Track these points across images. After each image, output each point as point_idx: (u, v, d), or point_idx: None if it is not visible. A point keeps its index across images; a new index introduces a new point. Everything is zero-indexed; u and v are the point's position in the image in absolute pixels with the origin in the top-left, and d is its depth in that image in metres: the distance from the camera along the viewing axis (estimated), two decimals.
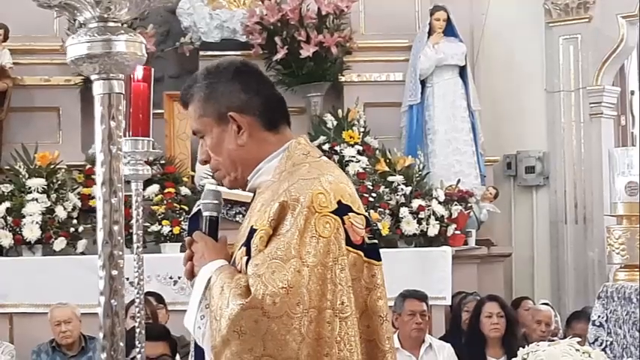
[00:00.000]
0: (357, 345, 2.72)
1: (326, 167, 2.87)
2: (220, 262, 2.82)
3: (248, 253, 2.74)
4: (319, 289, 2.65)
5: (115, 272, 1.66)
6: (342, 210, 2.74)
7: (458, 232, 9.62)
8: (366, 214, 2.86)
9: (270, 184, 2.85)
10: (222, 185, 3.07)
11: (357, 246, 2.75)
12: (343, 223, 2.73)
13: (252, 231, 2.75)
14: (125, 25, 1.72)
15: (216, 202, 3.00)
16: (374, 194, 9.38)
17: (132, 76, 4.03)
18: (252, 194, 3.06)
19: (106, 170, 1.68)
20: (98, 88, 1.72)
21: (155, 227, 9.09)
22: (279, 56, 10.06)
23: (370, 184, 9.50)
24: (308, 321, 2.62)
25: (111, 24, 1.70)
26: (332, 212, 2.71)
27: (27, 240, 8.92)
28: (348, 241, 2.73)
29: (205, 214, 3.00)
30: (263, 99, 2.94)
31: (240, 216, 3.43)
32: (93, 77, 1.72)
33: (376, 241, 2.84)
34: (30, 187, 9.07)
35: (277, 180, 2.84)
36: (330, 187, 2.75)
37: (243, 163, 2.92)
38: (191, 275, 2.91)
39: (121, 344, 1.70)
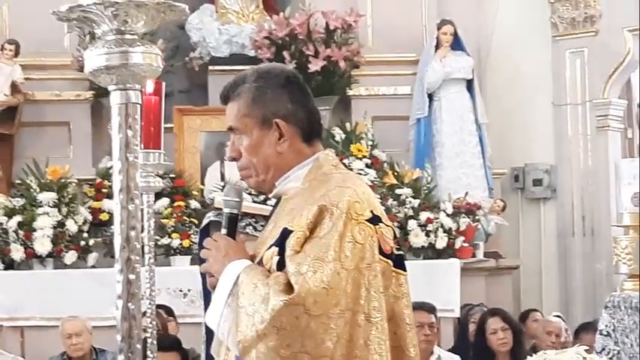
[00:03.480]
0: (387, 350, 2.79)
1: (356, 179, 3.00)
2: (246, 261, 2.87)
3: (280, 253, 2.79)
4: (354, 293, 2.72)
5: (132, 276, 1.71)
6: (375, 220, 2.82)
7: (466, 244, 9.66)
8: (393, 226, 2.95)
9: (299, 190, 2.92)
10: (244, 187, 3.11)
11: (387, 255, 2.83)
12: (375, 232, 2.81)
13: (286, 231, 2.79)
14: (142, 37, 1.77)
15: (237, 199, 3.02)
16: (382, 207, 9.40)
17: (143, 89, 4.08)
18: (266, 207, 3.11)
19: (124, 178, 1.73)
20: (115, 99, 1.77)
21: (165, 240, 9.14)
22: None
23: (378, 197, 9.53)
24: (343, 322, 2.69)
25: (128, 36, 1.75)
26: (367, 220, 2.79)
27: (38, 253, 8.98)
28: (379, 250, 2.81)
29: (226, 210, 3.02)
30: (307, 112, 3.01)
31: (250, 227, 3.46)
32: (110, 88, 1.77)
33: (402, 252, 2.93)
34: (41, 201, 9.13)
35: (307, 187, 2.91)
36: (364, 197, 2.83)
37: (277, 169, 2.97)
38: (210, 275, 2.95)
39: (138, 346, 1.75)
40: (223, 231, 3.00)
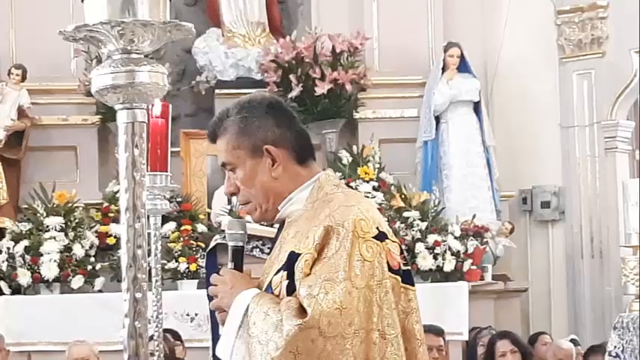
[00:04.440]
0: None
1: (359, 197, 3.03)
2: (254, 290, 2.87)
3: (289, 277, 2.80)
4: (367, 311, 2.73)
5: (138, 295, 1.70)
6: (381, 236, 2.83)
7: (474, 267, 9.63)
8: (399, 242, 2.95)
9: (302, 213, 2.93)
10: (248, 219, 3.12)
11: (395, 271, 2.84)
12: (383, 248, 2.82)
13: (294, 255, 2.81)
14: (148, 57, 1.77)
15: (242, 232, 3.03)
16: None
17: (150, 112, 4.07)
18: (272, 229, 3.10)
19: (130, 196, 1.73)
20: (122, 117, 1.76)
21: (172, 264, 9.13)
22: (294, 94, 10.12)
23: (386, 219, 9.50)
24: (359, 342, 2.70)
25: (134, 55, 1.75)
26: (373, 238, 2.80)
27: (45, 278, 8.97)
28: (387, 266, 2.82)
29: (231, 244, 3.03)
30: (295, 134, 3.02)
31: (257, 250, 3.45)
32: (117, 107, 1.77)
33: (409, 267, 2.95)
34: (48, 226, 9.13)
35: (310, 208, 2.92)
36: (369, 215, 2.84)
37: (276, 195, 2.98)
38: (220, 311, 2.94)
39: None
40: (230, 265, 3.01)
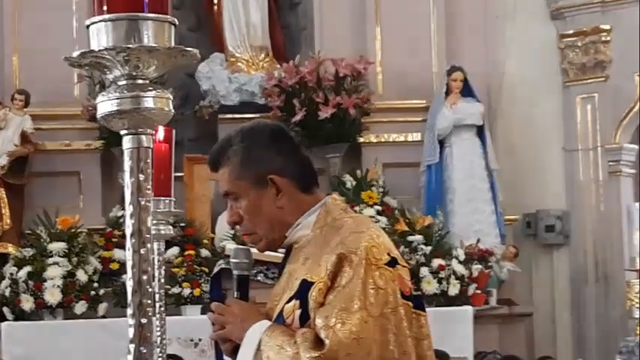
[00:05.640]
0: None
1: (368, 222, 2.99)
2: (265, 322, 2.83)
3: (301, 305, 2.77)
4: (383, 339, 2.70)
5: (144, 320, 1.69)
6: (393, 262, 2.80)
7: (479, 291, 9.61)
8: (409, 267, 2.94)
9: (310, 238, 2.90)
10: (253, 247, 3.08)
11: (407, 297, 2.80)
12: (395, 275, 2.79)
13: (306, 283, 2.78)
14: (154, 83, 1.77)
15: (247, 261, 2.99)
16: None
17: (153, 137, 4.06)
18: (277, 254, 3.08)
19: (135, 222, 1.72)
20: (127, 143, 1.76)
21: (176, 289, 9.11)
22: (297, 118, 10.14)
23: None
24: None
25: (139, 81, 1.75)
26: (385, 264, 2.77)
27: (48, 304, 8.96)
28: (400, 292, 2.79)
29: (236, 272, 2.99)
30: (298, 161, 2.99)
31: (262, 275, 3.44)
32: (122, 132, 1.77)
33: (420, 292, 2.93)
34: (51, 251, 9.12)
35: (319, 234, 2.89)
36: (380, 241, 2.81)
37: (281, 224, 2.94)
38: (224, 342, 2.91)
39: None
40: (236, 294, 2.97)
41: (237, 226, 3.03)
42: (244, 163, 2.94)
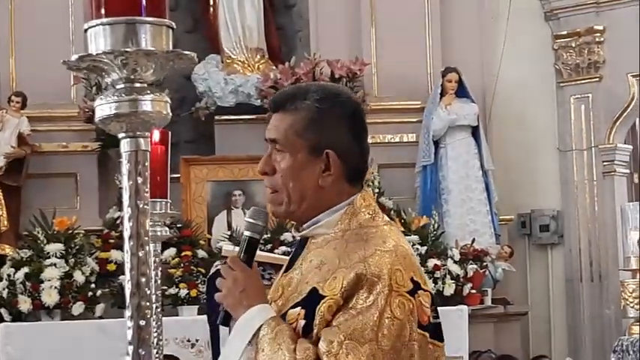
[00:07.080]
0: None
1: (396, 234, 2.72)
2: (269, 310, 2.65)
3: (307, 316, 2.58)
4: None
5: (142, 322, 1.71)
6: (415, 289, 2.59)
7: (474, 291, 9.64)
8: (432, 289, 2.71)
9: (330, 239, 2.68)
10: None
11: (424, 327, 2.60)
12: (414, 304, 2.59)
13: (316, 295, 2.59)
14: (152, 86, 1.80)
15: (262, 224, 2.76)
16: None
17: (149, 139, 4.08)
18: (277, 256, 3.04)
19: (134, 224, 1.74)
20: (125, 146, 1.78)
21: (172, 290, 9.14)
22: None
23: None
24: None
25: (137, 84, 1.77)
26: (407, 292, 2.57)
27: (45, 305, 8.96)
28: (417, 322, 2.60)
29: (248, 233, 2.77)
30: (361, 150, 2.75)
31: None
32: (120, 135, 1.79)
33: (440, 320, 2.70)
34: (48, 253, 9.12)
35: (340, 237, 2.67)
36: (405, 263, 2.60)
37: (311, 203, 2.69)
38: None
39: None
40: (242, 256, 2.75)
41: (265, 177, 2.75)
42: (312, 124, 2.68)
